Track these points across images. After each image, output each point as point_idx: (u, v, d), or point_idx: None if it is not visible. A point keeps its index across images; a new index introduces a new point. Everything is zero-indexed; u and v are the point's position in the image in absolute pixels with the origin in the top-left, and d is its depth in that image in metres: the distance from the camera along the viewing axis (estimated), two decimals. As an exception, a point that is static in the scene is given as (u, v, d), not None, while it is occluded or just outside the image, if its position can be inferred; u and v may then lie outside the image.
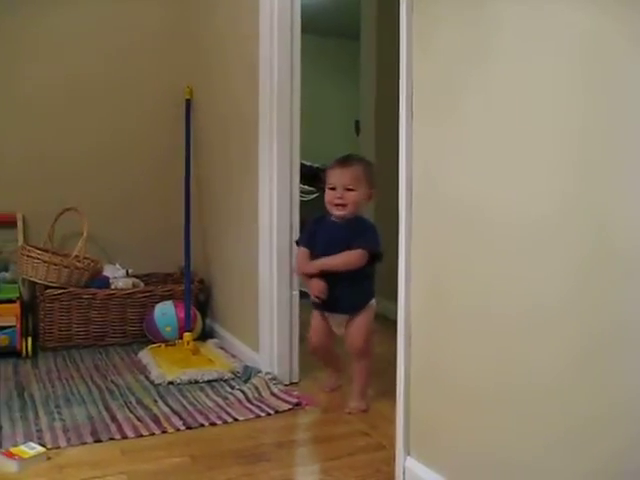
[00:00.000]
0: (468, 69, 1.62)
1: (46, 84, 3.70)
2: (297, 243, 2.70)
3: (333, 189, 2.50)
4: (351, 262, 2.45)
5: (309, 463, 2.07)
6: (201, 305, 3.64)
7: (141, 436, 2.23)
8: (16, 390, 2.67)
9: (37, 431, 2.24)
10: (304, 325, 2.77)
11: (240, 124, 3.17)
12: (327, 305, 2.52)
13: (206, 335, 3.50)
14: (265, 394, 2.62)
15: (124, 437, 2.22)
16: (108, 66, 3.83)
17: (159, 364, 2.94)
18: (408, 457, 1.87)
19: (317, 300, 2.51)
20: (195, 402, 2.55)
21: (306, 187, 4.19)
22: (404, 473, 1.87)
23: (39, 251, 3.34)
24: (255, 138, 2.91)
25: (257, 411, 2.46)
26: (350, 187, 2.48)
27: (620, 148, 1.24)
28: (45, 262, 3.29)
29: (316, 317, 2.61)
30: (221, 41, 3.50)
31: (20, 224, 3.58)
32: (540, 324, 1.42)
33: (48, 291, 3.30)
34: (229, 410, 2.47)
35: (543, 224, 1.41)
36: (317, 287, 2.48)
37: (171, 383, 2.76)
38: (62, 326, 3.33)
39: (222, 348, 3.27)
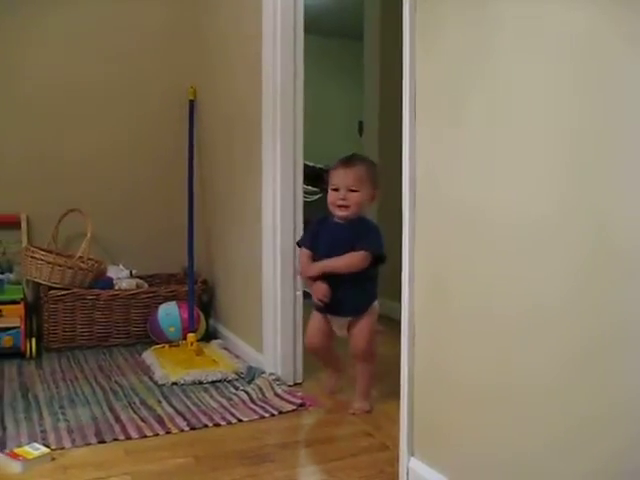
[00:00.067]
0: (471, 70, 1.62)
1: (49, 85, 3.71)
2: (298, 244, 2.68)
3: (336, 190, 2.48)
4: (354, 264, 2.43)
5: (313, 464, 2.07)
6: (205, 306, 3.64)
7: (145, 437, 2.24)
8: (20, 391, 2.68)
9: (41, 432, 2.24)
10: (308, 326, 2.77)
11: (243, 124, 3.17)
12: (330, 308, 2.50)
13: (210, 336, 3.50)
14: (269, 395, 2.62)
15: (128, 438, 2.22)
16: (111, 67, 3.84)
17: (163, 365, 2.95)
18: (412, 458, 1.87)
19: (320, 303, 2.50)
20: (199, 403, 2.55)
21: (310, 188, 4.19)
22: (408, 474, 1.87)
23: (43, 252, 3.35)
24: (258, 138, 2.91)
25: (261, 412, 2.47)
26: (353, 188, 2.46)
27: (620, 148, 1.24)
28: (49, 263, 3.30)
29: (316, 318, 2.59)
30: (224, 42, 3.51)
31: (24, 225, 3.59)
32: (541, 324, 1.42)
33: (52, 292, 3.30)
34: (233, 411, 2.47)
35: (544, 224, 1.40)
36: (321, 290, 2.46)
37: (175, 384, 2.76)
38: (66, 327, 3.33)
39: (226, 349, 3.27)
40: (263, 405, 2.53)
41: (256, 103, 2.93)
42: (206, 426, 2.34)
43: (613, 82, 1.25)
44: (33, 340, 3.18)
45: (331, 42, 6.13)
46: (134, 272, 3.68)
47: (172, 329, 3.33)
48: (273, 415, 2.45)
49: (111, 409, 2.48)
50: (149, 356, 3.13)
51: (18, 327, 3.12)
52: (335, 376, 2.72)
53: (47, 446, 2.09)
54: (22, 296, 3.22)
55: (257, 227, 2.95)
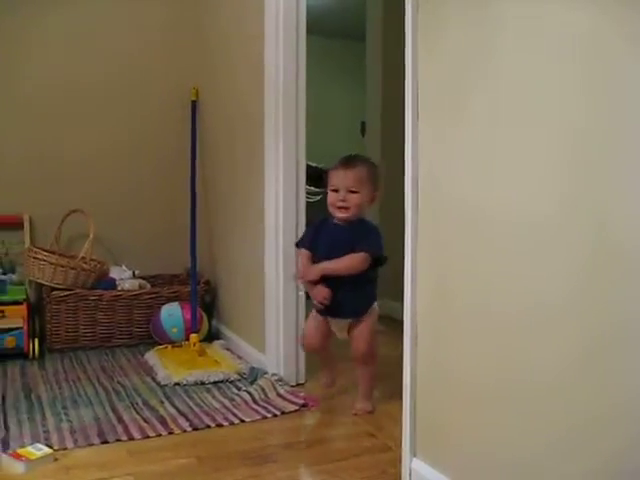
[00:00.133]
0: (473, 70, 1.62)
1: (51, 85, 3.71)
2: (297, 245, 2.64)
3: (336, 191, 2.44)
4: (354, 266, 2.40)
5: (315, 464, 2.07)
6: (207, 306, 3.64)
7: (148, 437, 2.24)
8: (23, 391, 2.68)
9: (44, 432, 2.24)
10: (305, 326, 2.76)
11: (246, 125, 3.18)
12: (330, 310, 2.48)
13: (212, 336, 3.51)
14: (271, 395, 2.62)
15: (131, 438, 2.22)
16: (114, 67, 3.84)
17: (165, 365, 2.95)
18: (414, 458, 1.87)
19: (321, 306, 2.47)
20: (201, 403, 2.56)
21: (312, 188, 4.19)
22: (410, 474, 1.87)
23: (46, 253, 3.35)
24: (261, 139, 2.91)
25: (263, 412, 2.47)
26: (353, 189, 2.42)
27: (621, 148, 1.24)
28: (52, 264, 3.30)
29: (315, 318, 2.57)
30: (227, 42, 3.51)
31: (27, 226, 3.60)
32: (543, 323, 1.42)
33: (55, 293, 3.31)
34: (235, 411, 2.47)
35: (546, 224, 1.40)
36: (321, 293, 2.43)
37: (177, 384, 2.76)
38: (69, 327, 3.34)
39: (228, 349, 3.27)
40: (265, 406, 2.53)
41: (258, 103, 2.93)
42: (208, 427, 2.34)
43: (615, 82, 1.25)
44: (36, 341, 3.18)
45: (333, 43, 6.13)
46: (137, 273, 3.68)
47: (175, 330, 3.34)
48: (275, 415, 2.45)
49: (114, 410, 2.48)
50: (152, 357, 3.13)
51: (21, 328, 3.12)
52: (330, 375, 2.71)
53: (50, 447, 2.09)
54: (25, 297, 3.22)
55: (259, 227, 2.95)
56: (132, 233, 3.87)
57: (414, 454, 1.88)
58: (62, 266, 3.32)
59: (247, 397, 2.61)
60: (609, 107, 1.26)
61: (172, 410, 2.48)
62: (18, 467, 1.96)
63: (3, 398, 2.59)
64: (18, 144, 3.66)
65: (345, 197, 2.42)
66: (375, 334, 2.52)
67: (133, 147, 3.91)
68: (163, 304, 3.46)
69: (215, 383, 2.79)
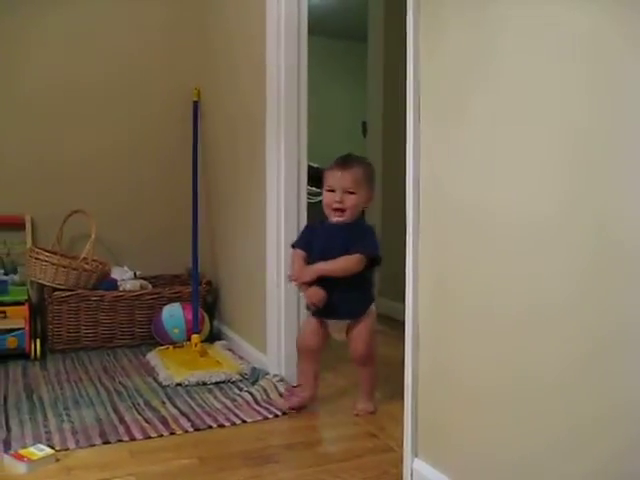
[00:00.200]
0: (474, 70, 1.62)
1: (53, 86, 3.71)
2: (293, 246, 2.59)
3: (332, 191, 2.42)
4: (349, 267, 2.37)
5: (317, 464, 2.07)
6: (209, 307, 3.65)
7: (149, 438, 2.24)
8: (25, 392, 2.68)
9: (46, 433, 2.24)
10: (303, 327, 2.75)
11: (247, 125, 3.18)
12: (327, 312, 2.45)
13: (214, 337, 3.51)
14: (273, 396, 2.62)
15: (132, 439, 2.22)
16: (115, 67, 3.85)
17: (167, 366, 2.95)
18: (416, 459, 1.87)
19: (314, 308, 2.44)
20: (203, 404, 2.56)
21: (313, 189, 4.19)
22: (412, 475, 1.87)
23: (47, 253, 3.36)
24: (262, 139, 2.91)
25: (265, 413, 2.47)
26: (350, 190, 2.40)
27: (622, 148, 1.23)
28: (53, 264, 3.30)
29: (311, 321, 2.53)
30: (228, 42, 3.51)
31: (28, 226, 3.60)
32: (545, 324, 1.41)
33: (56, 293, 3.31)
34: (237, 412, 2.47)
35: (548, 225, 1.40)
36: (316, 295, 2.39)
37: (179, 385, 2.76)
38: (70, 328, 3.34)
39: (230, 350, 3.27)
40: (267, 406, 2.53)
41: (260, 104, 2.93)
42: (210, 427, 2.34)
43: (617, 82, 1.25)
44: (37, 341, 3.18)
45: (335, 43, 6.13)
46: (138, 273, 3.69)
47: (176, 330, 3.34)
48: (277, 416, 2.45)
49: (115, 410, 2.48)
50: (153, 357, 3.13)
51: (22, 328, 3.13)
52: (312, 385, 2.54)
53: (52, 447, 2.09)
54: (26, 297, 3.22)
55: (261, 228, 2.95)
56: (134, 234, 3.87)
57: (416, 454, 1.88)
58: (64, 267, 3.32)
59: (249, 397, 2.61)
60: (610, 107, 1.26)
61: (174, 410, 2.48)
62: (20, 467, 1.96)
63: (5, 399, 2.59)
64: (19, 144, 3.66)
65: (342, 198, 2.40)
66: (373, 335, 2.51)
67: (135, 147, 3.91)
68: (165, 305, 3.46)
69: (217, 383, 2.79)
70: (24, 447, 2.08)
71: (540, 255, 1.43)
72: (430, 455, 1.83)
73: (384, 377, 2.60)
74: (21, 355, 3.14)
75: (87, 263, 3.42)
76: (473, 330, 1.65)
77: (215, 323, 3.65)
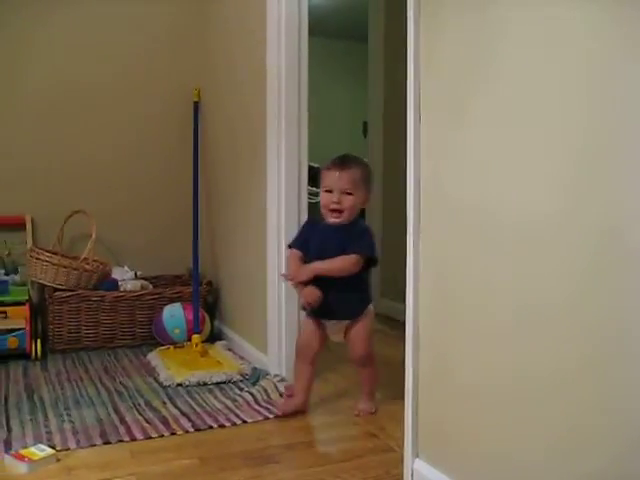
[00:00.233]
0: (474, 72, 1.62)
1: (53, 87, 3.72)
2: (289, 246, 2.54)
3: (329, 192, 2.40)
4: (346, 267, 2.35)
5: (317, 465, 2.07)
6: (209, 307, 3.65)
7: (150, 438, 2.24)
8: (26, 392, 2.68)
9: (47, 433, 2.24)
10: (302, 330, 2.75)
11: (248, 126, 3.18)
12: (324, 313, 2.43)
13: (214, 337, 3.51)
14: (273, 396, 2.62)
15: (133, 439, 2.22)
16: (116, 68, 3.85)
17: (168, 366, 2.95)
18: (416, 459, 1.87)
19: (309, 307, 2.42)
20: (204, 404, 2.56)
21: (314, 189, 4.19)
22: (412, 475, 1.87)
23: (48, 253, 3.36)
24: (263, 140, 2.91)
25: (265, 413, 2.47)
26: (348, 191, 2.37)
27: (623, 148, 1.23)
28: (54, 264, 3.30)
29: (309, 322, 2.50)
30: (229, 43, 3.51)
31: (29, 226, 3.60)
32: (546, 325, 1.41)
33: (57, 293, 3.31)
34: (238, 412, 2.47)
35: (549, 225, 1.40)
36: (312, 295, 2.35)
37: (180, 385, 2.76)
38: (71, 328, 3.34)
39: (230, 350, 3.27)
40: (268, 406, 2.53)
41: (261, 105, 2.93)
42: (211, 427, 2.34)
43: (617, 83, 1.25)
44: (38, 341, 3.19)
45: (336, 44, 6.14)
46: (139, 273, 3.69)
47: (177, 330, 3.34)
48: (278, 416, 2.44)
49: (116, 410, 2.48)
50: (154, 357, 3.13)
51: (23, 328, 3.13)
52: (305, 391, 2.51)
53: (52, 447, 2.09)
54: (27, 297, 3.23)
55: (262, 228, 2.95)
56: (134, 234, 3.88)
57: (416, 455, 1.88)
58: (64, 267, 3.32)
59: (249, 398, 2.61)
60: (610, 108, 1.26)
61: (174, 411, 2.48)
62: (21, 468, 1.96)
63: (6, 399, 2.59)
64: (20, 145, 3.66)
65: (339, 199, 2.37)
66: (372, 336, 2.50)
67: (135, 148, 3.92)
68: (165, 305, 3.46)
69: (217, 384, 2.79)
70: (25, 447, 2.08)
71: (540, 255, 1.43)
72: (431, 455, 1.83)
73: (384, 377, 2.60)
74: (22, 355, 3.14)
75: (88, 263, 3.42)
76: (474, 330, 1.65)
77: (216, 323, 3.65)
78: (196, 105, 3.87)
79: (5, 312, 3.11)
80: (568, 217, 1.35)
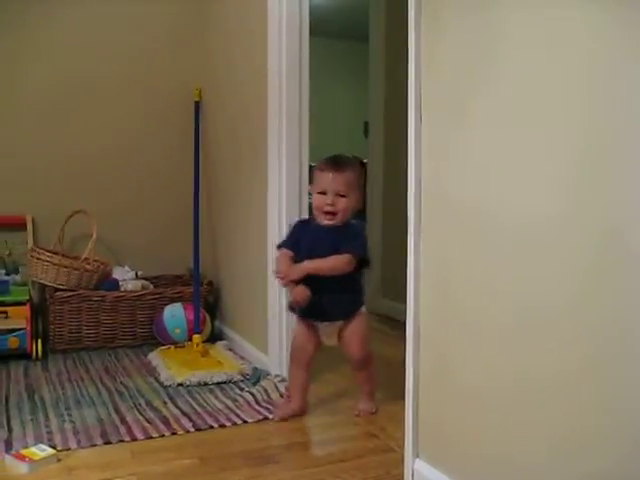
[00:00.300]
0: (475, 72, 1.61)
1: (54, 86, 3.72)
2: (279, 246, 2.49)
3: (323, 193, 2.36)
4: (338, 267, 2.31)
5: (318, 465, 2.07)
6: (210, 307, 3.65)
7: (151, 438, 2.24)
8: (26, 392, 2.68)
9: (47, 433, 2.24)
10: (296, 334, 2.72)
11: (249, 126, 3.18)
12: (316, 314, 2.40)
13: (215, 337, 3.51)
14: (274, 396, 2.63)
15: (134, 439, 2.22)
16: (117, 68, 3.85)
17: (168, 366, 2.95)
18: (417, 459, 1.87)
19: (297, 307, 2.39)
20: (204, 404, 2.56)
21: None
22: (413, 475, 1.87)
23: (49, 253, 3.36)
24: (264, 140, 2.91)
25: (266, 413, 2.47)
26: (342, 193, 2.33)
27: (624, 149, 1.23)
28: (55, 264, 3.30)
29: (304, 326, 2.46)
30: (230, 43, 3.51)
31: (30, 226, 3.60)
32: (547, 326, 1.41)
33: (58, 293, 3.31)
34: (238, 412, 2.47)
35: (550, 226, 1.40)
36: (300, 294, 2.30)
37: (180, 385, 2.76)
38: (72, 328, 3.34)
39: (231, 350, 3.27)
40: (268, 406, 2.53)
41: (262, 104, 2.93)
42: (211, 427, 2.34)
43: (617, 83, 1.25)
44: (39, 341, 3.19)
45: (337, 44, 6.15)
46: (140, 273, 3.69)
47: (178, 330, 3.34)
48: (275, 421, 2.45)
49: (117, 410, 2.48)
50: (155, 357, 3.13)
51: (24, 328, 3.13)
52: (302, 396, 2.49)
53: (53, 447, 2.10)
54: (28, 297, 3.23)
55: (262, 228, 2.95)
56: (135, 234, 3.88)
57: (417, 455, 1.88)
58: (65, 267, 3.32)
59: (250, 398, 2.61)
60: (611, 109, 1.26)
61: (175, 411, 2.48)
62: (21, 468, 1.96)
63: (6, 399, 2.59)
64: (20, 145, 3.66)
65: (333, 201, 2.34)
66: (367, 337, 2.47)
67: (136, 148, 3.92)
68: (166, 305, 3.46)
69: (218, 384, 2.79)
70: (26, 447, 2.08)
71: (542, 256, 1.43)
72: (431, 456, 1.83)
73: (385, 377, 2.60)
74: (22, 355, 3.14)
75: (88, 263, 3.42)
76: (474, 331, 1.65)
77: (216, 323, 3.65)
78: (197, 105, 3.87)
79: (6, 312, 3.11)
80: (569, 218, 1.35)
